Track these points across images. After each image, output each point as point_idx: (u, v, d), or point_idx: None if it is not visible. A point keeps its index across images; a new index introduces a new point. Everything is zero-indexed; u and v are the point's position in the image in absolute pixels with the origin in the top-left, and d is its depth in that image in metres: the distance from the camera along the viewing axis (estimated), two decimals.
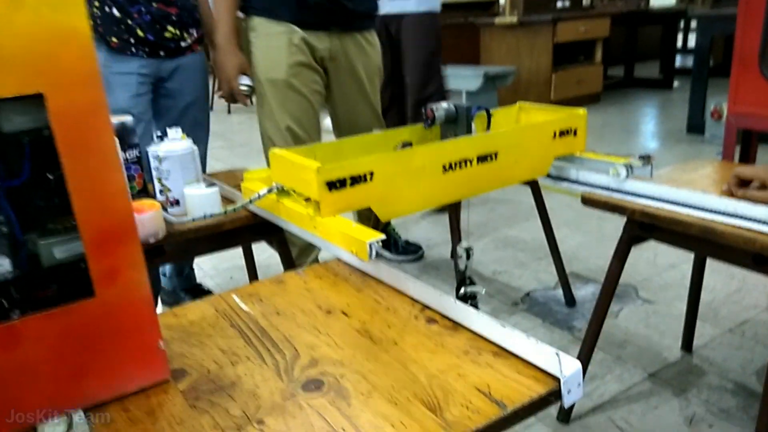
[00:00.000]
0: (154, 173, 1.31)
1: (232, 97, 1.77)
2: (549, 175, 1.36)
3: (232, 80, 1.74)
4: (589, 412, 1.45)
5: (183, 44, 1.71)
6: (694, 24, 6.19)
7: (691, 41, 7.29)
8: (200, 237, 1.24)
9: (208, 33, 1.78)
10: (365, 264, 0.91)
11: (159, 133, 1.35)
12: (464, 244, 1.26)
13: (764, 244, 0.98)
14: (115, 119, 1.38)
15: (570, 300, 1.99)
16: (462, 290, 1.28)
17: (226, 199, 1.38)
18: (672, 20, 6.24)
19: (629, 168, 1.23)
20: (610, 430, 1.39)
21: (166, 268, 1.97)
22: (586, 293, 2.05)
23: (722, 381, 1.54)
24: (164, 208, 1.30)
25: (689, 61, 4.89)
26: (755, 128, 2.70)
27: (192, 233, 1.22)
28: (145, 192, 1.40)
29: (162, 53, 1.68)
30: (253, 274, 1.79)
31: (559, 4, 5.73)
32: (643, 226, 1.21)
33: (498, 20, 5.37)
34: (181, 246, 1.26)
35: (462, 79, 4.61)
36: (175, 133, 1.32)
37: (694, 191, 1.13)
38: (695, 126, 4.17)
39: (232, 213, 1.20)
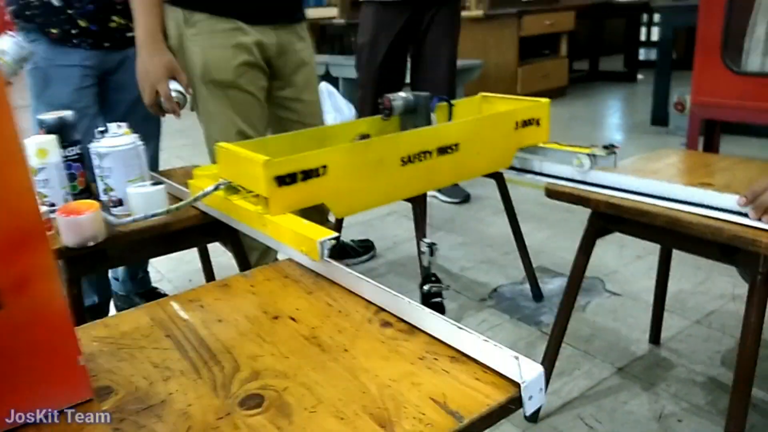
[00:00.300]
0: (96, 171, 1.23)
1: (158, 106, 1.49)
2: (512, 167, 1.31)
3: (158, 84, 1.46)
4: (558, 410, 1.42)
5: (129, 34, 1.61)
6: (657, 17, 6.25)
7: (655, 34, 7.37)
8: (146, 239, 1.16)
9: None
10: (318, 264, 0.85)
11: (101, 128, 1.27)
12: (427, 240, 1.21)
13: (732, 234, 0.95)
14: (54, 114, 1.29)
15: (537, 295, 1.96)
16: (426, 287, 1.24)
17: (177, 199, 1.31)
18: (636, 13, 6.29)
19: (593, 158, 1.19)
20: (579, 428, 1.36)
21: (119, 272, 1.88)
22: (553, 287, 2.02)
23: (691, 374, 1.52)
24: (107, 209, 1.23)
25: (653, 54, 4.93)
26: (718, 118, 2.71)
27: (136, 235, 1.14)
28: (88, 192, 1.32)
29: (107, 44, 1.59)
30: (210, 276, 1.72)
31: None
32: (609, 218, 1.17)
33: (464, 14, 5.33)
34: (125, 249, 1.19)
35: None
36: (117, 128, 1.24)
37: (660, 181, 1.10)
38: (659, 118, 4.20)
39: (177, 212, 1.13)
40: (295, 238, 0.86)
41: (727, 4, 2.49)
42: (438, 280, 1.24)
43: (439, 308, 1.24)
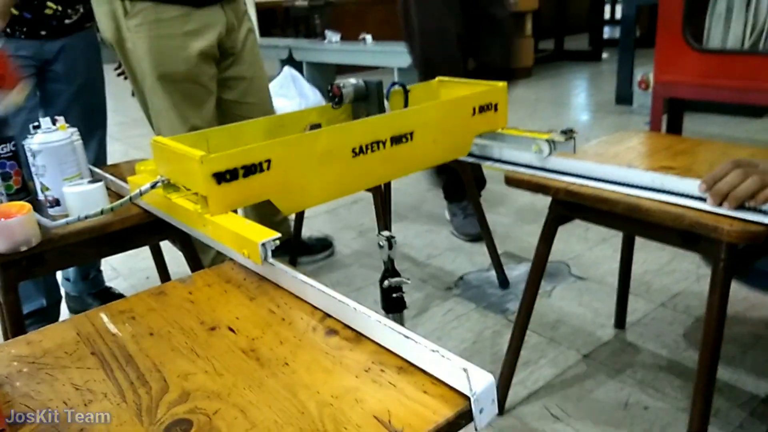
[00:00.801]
0: (32, 170, 1.16)
1: None
2: (471, 154, 1.27)
3: None
4: (524, 401, 1.40)
5: (68, 21, 1.52)
6: None
7: (619, 12, 7.39)
8: (85, 240, 1.10)
9: None
10: (263, 267, 0.80)
11: (36, 123, 1.19)
12: (386, 233, 1.17)
13: (693, 221, 0.93)
14: None
15: (503, 281, 1.93)
16: (386, 283, 1.20)
17: (120, 197, 1.24)
18: None
19: (552, 144, 1.15)
20: (545, 419, 1.34)
21: (70, 273, 1.80)
22: (519, 273, 2.00)
23: (656, 359, 1.52)
24: (44, 210, 1.16)
25: (618, 33, 4.94)
26: (681, 96, 2.71)
27: (74, 237, 1.07)
28: (25, 191, 1.25)
29: (43, 33, 1.49)
30: (164, 274, 1.65)
31: None
32: (568, 206, 1.14)
33: None
34: (63, 252, 1.11)
35: (393, 55, 4.51)
36: (49, 122, 1.16)
37: (619, 166, 1.07)
38: (624, 97, 4.20)
39: (119, 211, 1.06)
40: (235, 239, 0.81)
41: None
42: (397, 274, 1.19)
43: (400, 303, 1.20)
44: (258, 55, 1.75)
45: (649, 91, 3.70)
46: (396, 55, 4.45)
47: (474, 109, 1.21)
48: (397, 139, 1.10)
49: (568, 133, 1.13)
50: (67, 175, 1.14)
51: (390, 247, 1.17)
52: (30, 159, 1.13)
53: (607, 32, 6.92)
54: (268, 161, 0.92)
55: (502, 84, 1.24)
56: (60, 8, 1.50)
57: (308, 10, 6.38)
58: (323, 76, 5.27)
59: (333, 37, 4.99)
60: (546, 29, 6.51)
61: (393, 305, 1.20)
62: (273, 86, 4.96)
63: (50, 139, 1.12)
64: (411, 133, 1.12)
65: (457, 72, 2.02)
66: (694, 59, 2.56)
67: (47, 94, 1.59)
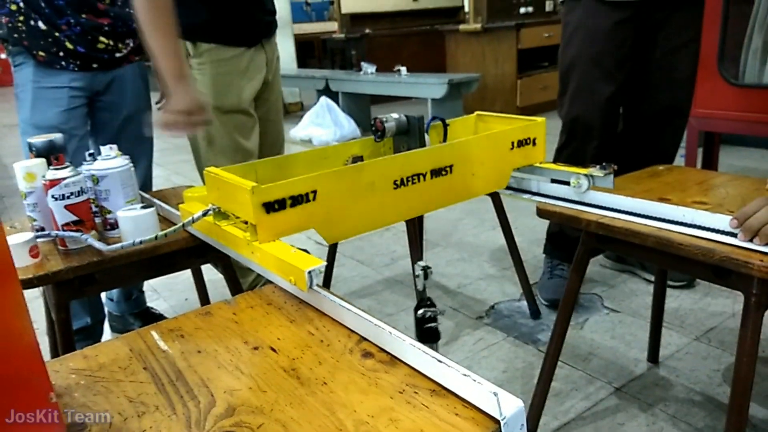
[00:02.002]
0: (87, 194, 1.23)
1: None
2: (509, 187, 1.29)
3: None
4: None
5: (118, 55, 1.62)
6: None
7: None
8: (134, 263, 1.16)
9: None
10: (300, 291, 0.84)
11: (91, 151, 1.27)
12: (422, 263, 1.19)
13: (723, 256, 0.94)
14: (43, 137, 1.29)
15: (534, 312, 1.94)
16: (420, 312, 1.22)
17: (167, 221, 1.30)
18: None
19: (590, 178, 1.16)
20: None
21: (113, 293, 1.88)
22: (551, 304, 2.00)
23: (689, 393, 1.50)
24: (100, 233, 1.22)
25: None
26: (716, 130, 2.70)
27: (125, 259, 1.14)
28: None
29: (95, 65, 1.59)
30: (204, 297, 1.71)
31: (522, 10, 5.75)
32: (600, 238, 1.16)
33: (462, 27, 5.36)
34: (113, 273, 1.18)
35: (427, 87, 4.58)
36: (109, 149, 1.24)
37: (652, 201, 1.08)
38: None
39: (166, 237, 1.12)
40: (282, 266, 0.84)
41: (724, 15, 2.49)
42: (432, 305, 1.21)
43: (434, 334, 1.22)
44: (279, 77, 1.92)
45: None
46: (430, 87, 4.53)
47: (513, 144, 1.23)
48: (436, 172, 1.12)
49: (608, 168, 1.14)
50: (128, 198, 1.21)
51: (426, 277, 1.19)
52: (89, 184, 1.20)
53: None
54: (314, 192, 0.96)
55: (541, 119, 1.26)
56: (111, 43, 1.60)
57: (344, 42, 6.54)
58: (358, 106, 5.38)
59: (368, 68, 5.10)
60: None
61: (427, 336, 1.21)
62: (309, 115, 5.09)
63: (113, 165, 1.19)
64: (450, 166, 1.14)
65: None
66: (730, 94, 2.56)
67: (97, 122, 1.68)
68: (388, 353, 0.70)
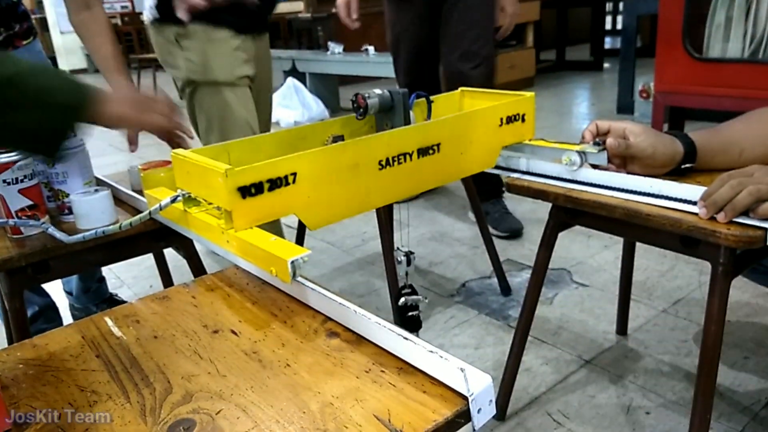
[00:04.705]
0: (38, 177, 1.17)
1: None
2: (497, 166, 1.24)
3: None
4: (526, 407, 1.40)
5: None
6: (622, 5, 6.29)
7: (620, 23, 7.42)
8: (89, 248, 1.11)
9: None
10: (263, 271, 0.80)
11: None
12: (404, 248, 1.15)
13: (691, 225, 0.93)
14: None
15: (505, 288, 1.94)
16: (402, 300, 1.17)
17: (126, 205, 1.25)
18: (600, 1, 6.32)
19: (583, 155, 1.12)
20: (547, 424, 1.34)
21: (72, 288, 1.81)
22: (521, 280, 2.01)
23: (658, 364, 1.52)
24: (55, 219, 1.17)
25: (619, 43, 4.96)
26: (681, 105, 2.73)
27: (79, 245, 1.08)
28: None
29: None
30: (168, 282, 1.66)
31: None
32: (569, 212, 1.15)
33: None
34: (68, 259, 1.13)
35: None
36: None
37: (619, 173, 1.08)
38: (625, 106, 4.22)
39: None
40: (261, 256, 0.78)
41: None
42: (414, 292, 1.16)
43: (415, 322, 1.17)
44: (270, 63, 1.93)
45: (650, 101, 3.71)
46: None
47: (501, 120, 1.18)
48: (423, 151, 1.06)
49: (602, 145, 1.11)
50: (86, 180, 1.15)
51: (408, 263, 1.14)
52: (41, 167, 1.15)
53: (608, 43, 6.96)
54: (294, 174, 0.89)
55: (530, 94, 1.21)
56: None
57: (311, 22, 6.43)
58: (326, 86, 5.30)
59: (336, 48, 5.02)
60: (547, 40, 6.54)
61: (409, 324, 1.17)
62: (276, 97, 5.00)
63: (70, 145, 1.13)
64: (438, 145, 1.08)
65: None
66: (694, 68, 2.58)
67: None
68: (354, 332, 0.68)
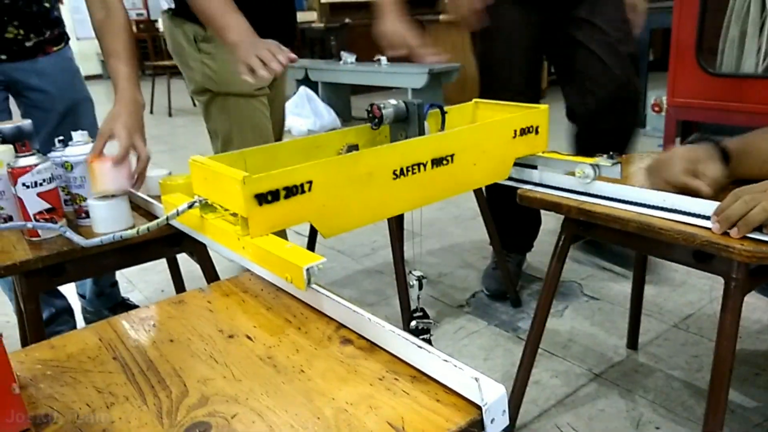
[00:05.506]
0: (59, 182, 1.18)
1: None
2: (510, 178, 1.25)
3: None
4: (535, 419, 1.40)
5: (28, 44, 1.53)
6: None
7: None
8: (106, 252, 1.12)
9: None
10: (278, 278, 0.81)
11: (61, 138, 1.23)
12: (417, 272, 1.14)
13: (704, 240, 0.93)
14: (9, 123, 1.25)
15: (515, 300, 1.94)
16: (413, 324, 1.17)
17: (141, 209, 1.27)
18: None
19: (596, 168, 1.13)
20: None
21: (86, 291, 1.83)
22: (532, 292, 2.00)
23: (668, 379, 1.51)
24: (70, 220, 1.18)
25: None
26: (694, 119, 2.72)
27: (95, 248, 1.10)
28: None
29: (3, 57, 1.51)
30: (180, 287, 1.67)
31: None
32: (581, 224, 1.15)
33: (443, 17, 5.34)
34: (84, 263, 1.14)
35: (407, 76, 4.56)
36: (80, 135, 1.20)
37: (633, 187, 1.08)
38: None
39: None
40: (277, 263, 0.79)
41: (701, 6, 2.50)
42: (426, 315, 1.16)
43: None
44: (285, 73, 1.88)
45: (662, 114, 3.70)
46: (410, 77, 4.50)
47: (515, 132, 1.19)
48: (437, 162, 1.07)
49: (615, 158, 1.11)
50: None
51: (420, 287, 1.14)
52: (59, 171, 1.16)
53: None
54: (310, 182, 0.90)
55: (544, 106, 1.22)
56: (21, 32, 1.52)
57: (324, 31, 6.48)
58: (338, 96, 5.33)
59: (348, 58, 5.05)
60: None
61: None
62: (289, 105, 5.04)
63: (87, 151, 1.15)
64: (452, 156, 1.08)
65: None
66: (707, 83, 2.58)
67: (33, 122, 1.60)
68: (368, 340, 0.68)
